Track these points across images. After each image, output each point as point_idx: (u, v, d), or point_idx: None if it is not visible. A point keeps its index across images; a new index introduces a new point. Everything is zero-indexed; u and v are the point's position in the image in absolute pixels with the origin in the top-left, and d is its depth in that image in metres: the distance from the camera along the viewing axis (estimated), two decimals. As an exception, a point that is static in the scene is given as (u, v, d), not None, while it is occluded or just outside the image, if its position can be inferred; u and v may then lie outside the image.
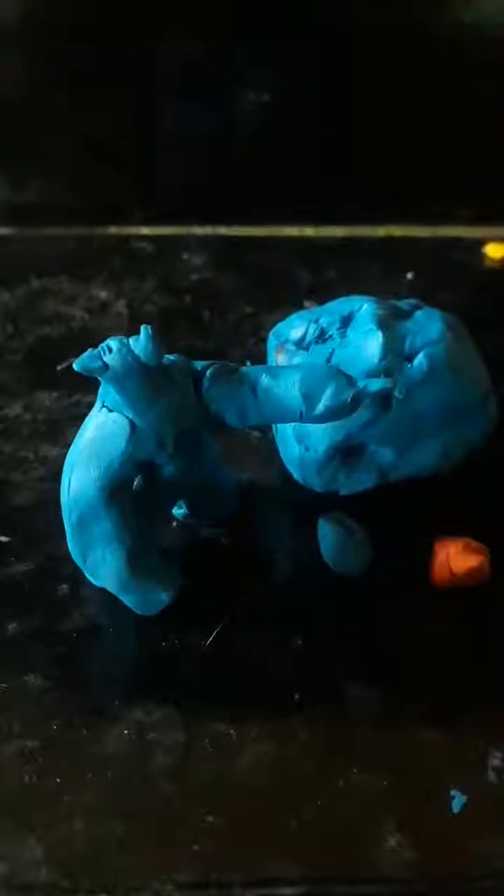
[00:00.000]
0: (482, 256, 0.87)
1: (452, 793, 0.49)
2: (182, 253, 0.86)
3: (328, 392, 0.52)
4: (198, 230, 0.88)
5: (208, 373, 0.53)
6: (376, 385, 0.53)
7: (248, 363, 0.55)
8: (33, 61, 0.86)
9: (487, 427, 0.62)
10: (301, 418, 0.53)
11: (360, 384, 0.53)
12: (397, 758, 0.50)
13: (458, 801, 0.49)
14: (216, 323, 0.79)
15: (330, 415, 0.53)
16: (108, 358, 0.50)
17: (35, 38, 0.85)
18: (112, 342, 0.51)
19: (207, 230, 0.88)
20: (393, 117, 0.87)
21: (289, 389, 0.52)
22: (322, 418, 0.53)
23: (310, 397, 0.52)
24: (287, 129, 0.88)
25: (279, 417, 0.54)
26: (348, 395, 0.52)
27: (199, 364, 0.53)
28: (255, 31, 0.85)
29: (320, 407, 0.52)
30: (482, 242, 0.87)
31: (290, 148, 0.88)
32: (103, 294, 0.81)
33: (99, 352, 0.51)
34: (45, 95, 0.87)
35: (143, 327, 0.51)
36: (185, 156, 0.89)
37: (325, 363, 0.59)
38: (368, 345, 0.58)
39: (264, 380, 0.53)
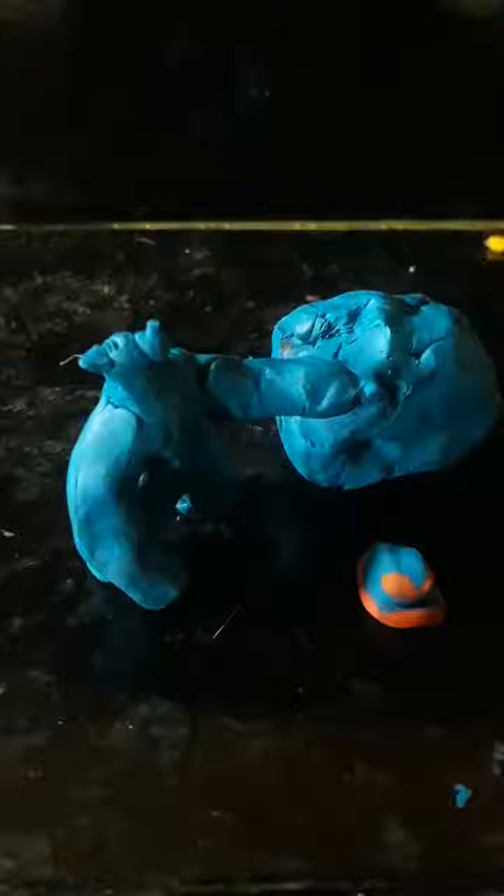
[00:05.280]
0: (484, 250, 0.87)
1: (457, 787, 0.49)
2: (184, 248, 0.86)
3: (332, 390, 0.52)
4: (200, 225, 0.88)
5: (213, 365, 0.53)
6: (370, 388, 0.55)
7: (250, 358, 0.55)
8: (36, 59, 0.86)
9: (492, 422, 0.62)
10: (303, 413, 0.53)
11: (361, 383, 0.53)
12: (402, 753, 0.50)
13: (462, 795, 0.49)
14: (218, 318, 0.79)
15: (332, 411, 0.53)
16: (114, 354, 0.50)
17: (38, 36, 0.85)
18: (118, 338, 0.50)
19: (209, 225, 0.88)
20: (394, 111, 0.87)
21: (293, 384, 0.52)
22: (324, 414, 0.53)
23: (313, 393, 0.52)
24: (288, 124, 0.88)
25: (282, 410, 0.54)
26: (351, 394, 0.52)
27: (202, 357, 0.53)
28: (256, 26, 0.85)
29: (324, 403, 0.52)
30: (484, 236, 0.87)
31: (291, 142, 0.88)
32: (106, 290, 0.81)
33: (105, 348, 0.50)
34: (47, 93, 0.86)
35: (149, 323, 0.50)
36: (187, 151, 0.88)
37: (328, 359, 0.59)
38: (376, 340, 0.58)
39: (268, 373, 0.53)
